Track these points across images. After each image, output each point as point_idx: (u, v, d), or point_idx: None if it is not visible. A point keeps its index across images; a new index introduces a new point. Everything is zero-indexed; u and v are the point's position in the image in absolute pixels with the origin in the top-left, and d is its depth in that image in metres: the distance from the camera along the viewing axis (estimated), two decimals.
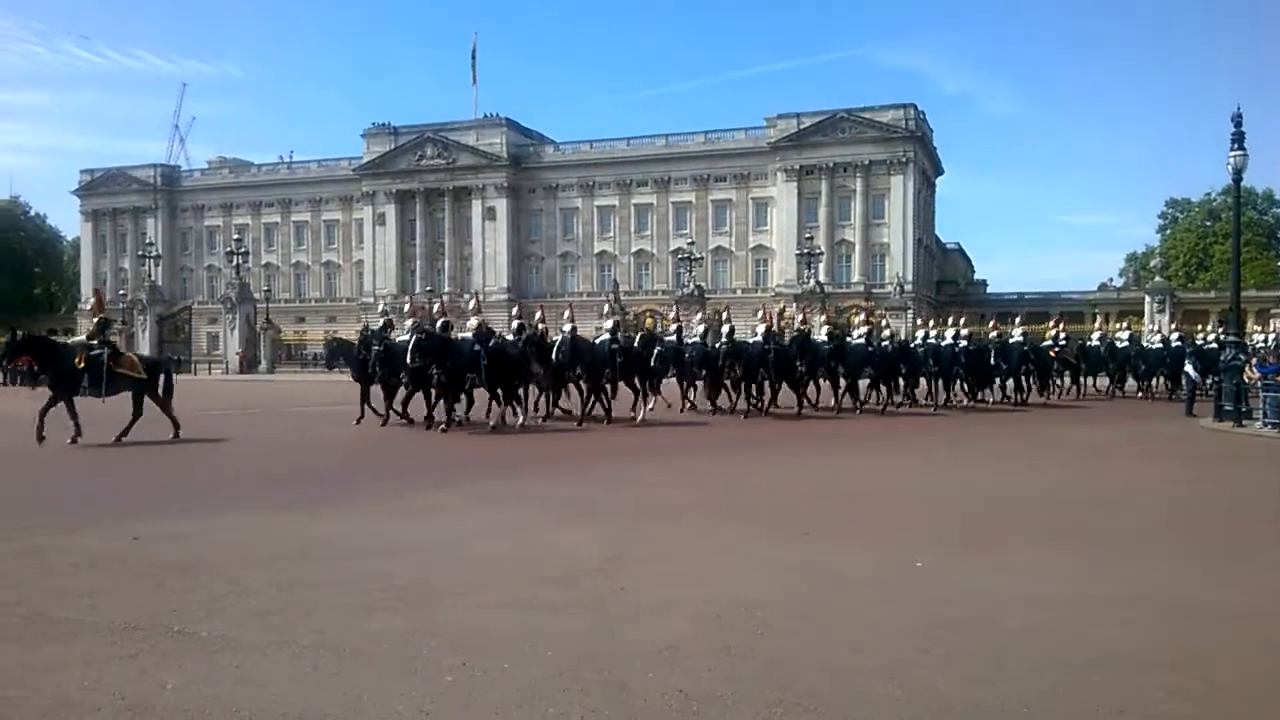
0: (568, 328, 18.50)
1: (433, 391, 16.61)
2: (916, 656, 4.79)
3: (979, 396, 24.43)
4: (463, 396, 17.42)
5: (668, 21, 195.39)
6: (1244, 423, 18.45)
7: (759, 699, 4.20)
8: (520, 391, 17.28)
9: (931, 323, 28.41)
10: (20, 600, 5.76)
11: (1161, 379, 28.93)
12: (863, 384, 22.12)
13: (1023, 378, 25.00)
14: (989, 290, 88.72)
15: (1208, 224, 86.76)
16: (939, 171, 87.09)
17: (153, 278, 74.18)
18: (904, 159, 74.11)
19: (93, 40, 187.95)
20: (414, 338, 15.86)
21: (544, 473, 12.15)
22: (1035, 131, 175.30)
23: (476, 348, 16.13)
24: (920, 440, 16.62)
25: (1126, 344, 29.76)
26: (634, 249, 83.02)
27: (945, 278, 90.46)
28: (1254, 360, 19.98)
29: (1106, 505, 9.71)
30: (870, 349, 21.96)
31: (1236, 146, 19.54)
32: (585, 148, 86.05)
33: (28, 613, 5.51)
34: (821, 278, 65.37)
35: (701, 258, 70.24)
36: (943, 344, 23.65)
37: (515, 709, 4.12)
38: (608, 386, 18.75)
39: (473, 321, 17.17)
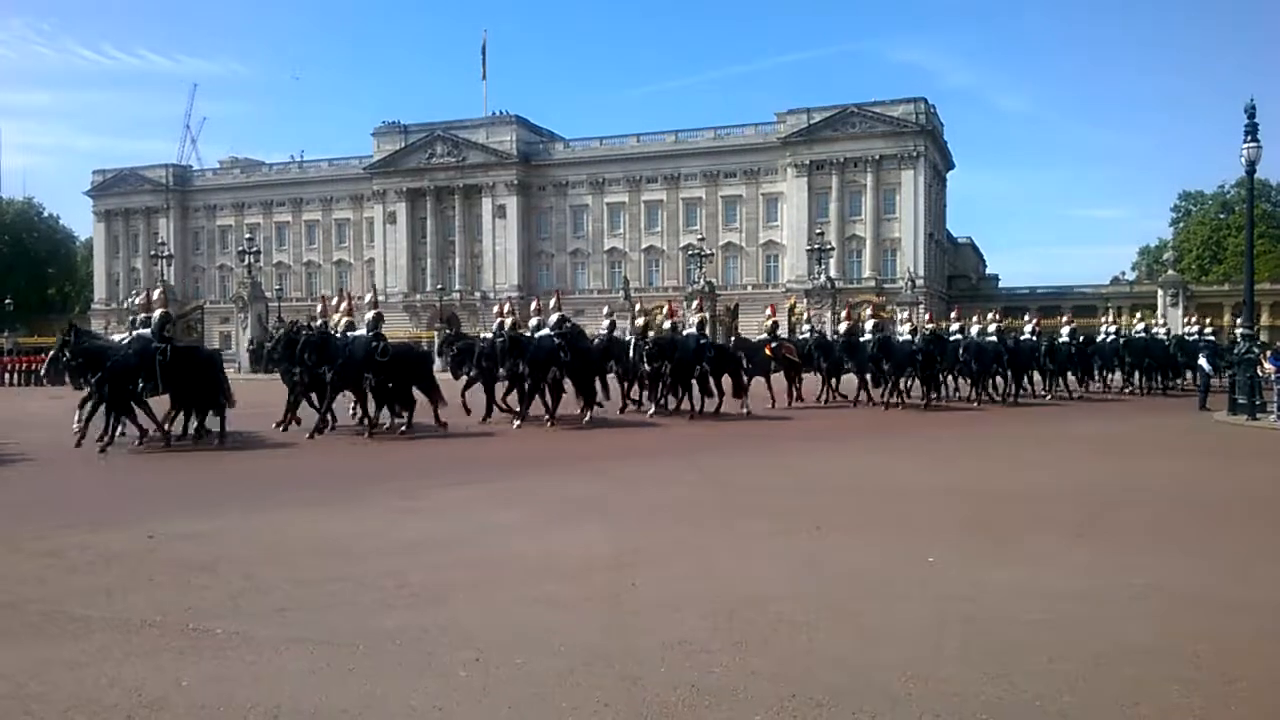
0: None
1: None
2: (930, 651, 4.79)
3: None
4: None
5: (675, 17, 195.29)
6: (1258, 416, 18.34)
7: (772, 694, 4.20)
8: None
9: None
10: (39, 597, 5.82)
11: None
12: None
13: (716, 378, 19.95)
14: (1001, 285, 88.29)
15: (1221, 216, 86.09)
16: (950, 166, 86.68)
17: (165, 277, 74.58)
18: (915, 153, 73.79)
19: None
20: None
21: (555, 471, 12.19)
22: (1047, 125, 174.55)
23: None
24: (917, 435, 16.57)
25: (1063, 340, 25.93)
26: (644, 245, 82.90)
27: (957, 272, 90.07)
28: (1269, 354, 19.88)
29: (1120, 499, 9.67)
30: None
31: (1250, 138, 19.43)
32: (595, 144, 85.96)
33: (47, 609, 5.56)
34: (832, 273, 65.24)
35: (712, 254, 70.11)
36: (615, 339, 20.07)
37: (528, 704, 4.14)
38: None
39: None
